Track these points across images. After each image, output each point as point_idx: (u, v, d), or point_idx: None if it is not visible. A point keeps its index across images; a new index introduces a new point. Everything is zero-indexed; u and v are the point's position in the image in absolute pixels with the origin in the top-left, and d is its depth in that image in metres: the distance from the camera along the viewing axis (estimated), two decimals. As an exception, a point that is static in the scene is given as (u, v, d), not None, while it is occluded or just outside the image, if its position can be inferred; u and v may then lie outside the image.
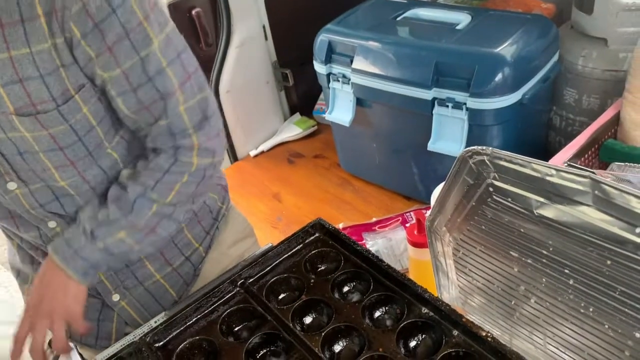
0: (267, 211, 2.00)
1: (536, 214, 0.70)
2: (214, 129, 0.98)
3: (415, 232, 1.41)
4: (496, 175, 0.73)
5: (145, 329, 0.99)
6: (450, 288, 0.94)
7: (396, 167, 1.86)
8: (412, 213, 1.74)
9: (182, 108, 0.92)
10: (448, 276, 0.96)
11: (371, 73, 1.64)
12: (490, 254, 0.82)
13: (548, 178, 0.67)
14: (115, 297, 1.07)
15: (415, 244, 1.40)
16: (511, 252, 0.78)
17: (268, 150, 2.31)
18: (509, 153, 0.70)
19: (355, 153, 1.98)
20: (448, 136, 1.56)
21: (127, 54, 0.83)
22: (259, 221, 1.91)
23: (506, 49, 1.45)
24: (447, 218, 0.87)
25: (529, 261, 0.76)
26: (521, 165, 0.69)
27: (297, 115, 2.41)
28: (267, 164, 2.26)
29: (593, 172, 0.63)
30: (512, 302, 0.84)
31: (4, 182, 0.93)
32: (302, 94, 2.39)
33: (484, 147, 0.72)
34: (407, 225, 1.65)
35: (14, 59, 0.79)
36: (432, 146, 1.57)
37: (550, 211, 0.69)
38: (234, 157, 2.33)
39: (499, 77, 1.44)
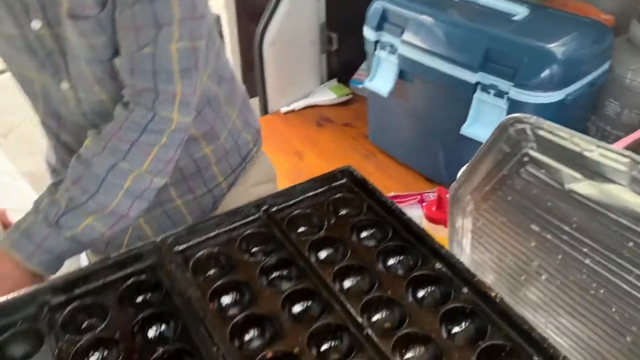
0: (288, 167, 2.03)
1: (567, 188, 0.71)
2: (197, 86, 0.91)
3: (434, 209, 1.43)
4: (534, 146, 0.74)
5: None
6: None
7: (424, 147, 1.87)
8: (431, 194, 1.76)
9: (174, 47, 0.85)
10: (462, 249, 0.98)
11: (420, 47, 1.64)
12: (510, 226, 0.84)
13: (587, 153, 0.68)
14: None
15: (432, 220, 1.42)
16: (532, 226, 0.80)
17: (299, 110, 2.33)
18: (551, 123, 0.71)
19: (386, 127, 1.99)
20: (483, 123, 1.56)
21: None
22: (279, 174, 1.93)
23: (558, 47, 1.44)
24: (473, 186, 0.88)
25: (548, 236, 0.78)
26: (562, 138, 0.70)
27: (334, 81, 2.42)
28: (296, 123, 2.28)
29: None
30: (522, 278, 0.86)
31: (58, 80, 0.96)
32: (343, 61, 2.40)
33: (528, 115, 0.73)
34: (424, 204, 1.66)
35: None
36: (465, 130, 1.58)
37: (582, 187, 0.70)
38: (264, 111, 2.35)
39: (546, 72, 1.44)
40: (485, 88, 1.54)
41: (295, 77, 2.35)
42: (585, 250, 0.72)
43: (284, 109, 2.31)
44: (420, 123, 1.84)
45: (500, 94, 1.51)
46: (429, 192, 1.79)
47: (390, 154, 2.02)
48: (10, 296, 0.78)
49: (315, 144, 2.14)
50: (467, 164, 0.87)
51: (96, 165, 0.87)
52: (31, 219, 0.88)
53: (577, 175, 0.70)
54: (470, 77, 1.55)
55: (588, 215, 0.71)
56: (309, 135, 2.19)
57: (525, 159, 0.75)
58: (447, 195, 0.94)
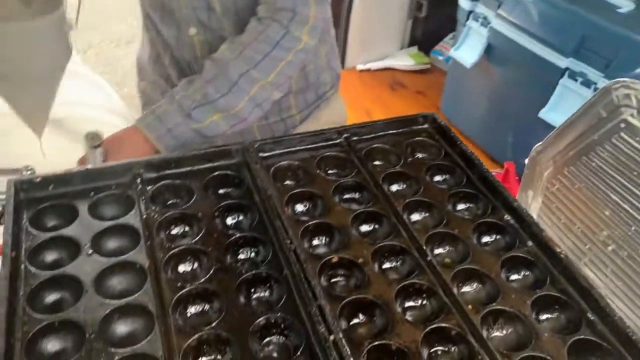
0: (355, 121, 2.05)
1: (660, 158, 0.72)
2: (325, 14, 0.98)
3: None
4: (634, 112, 0.74)
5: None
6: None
7: (495, 127, 1.86)
8: (493, 172, 1.75)
9: None
10: (529, 211, 0.99)
11: (514, 23, 1.63)
12: (587, 193, 0.85)
13: (688, 128, 0.69)
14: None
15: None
16: (611, 195, 0.81)
17: (374, 71, 2.35)
18: (660, 92, 0.71)
19: (460, 100, 1.99)
20: (563, 110, 1.54)
21: None
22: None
23: (661, 45, 1.41)
24: (558, 150, 0.89)
25: (625, 206, 0.78)
26: (667, 107, 0.70)
27: (415, 49, 2.42)
28: (370, 83, 2.30)
29: None
30: (586, 247, 0.87)
31: (184, 25, 1.01)
32: (428, 29, 2.39)
33: (635, 81, 0.73)
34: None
35: None
36: (544, 114, 1.57)
37: (676, 159, 0.70)
38: (341, 65, 2.38)
39: (642, 68, 1.40)
40: (573, 75, 1.52)
41: (377, 38, 2.36)
42: (662, 223, 0.73)
43: (360, 67, 2.33)
44: (496, 102, 1.83)
45: (587, 83, 1.49)
46: (493, 172, 1.79)
47: (460, 128, 2.02)
48: (108, 164, 0.85)
49: (386, 106, 2.16)
50: (556, 128, 0.88)
51: (231, 70, 0.95)
52: (166, 106, 0.97)
53: (673, 147, 0.70)
54: (560, 61, 1.53)
55: (673, 189, 0.71)
56: (381, 96, 2.21)
57: (622, 124, 0.76)
58: (529, 157, 0.95)
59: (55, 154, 1.40)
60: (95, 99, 1.58)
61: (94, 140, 0.93)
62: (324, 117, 1.30)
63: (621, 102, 0.75)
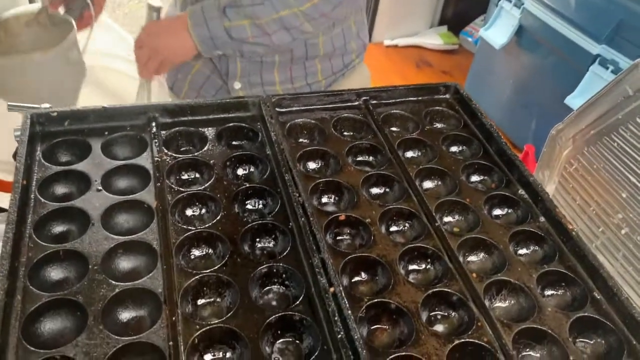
0: (377, 97, 2.03)
1: (686, 139, 0.69)
2: None
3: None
4: (664, 92, 0.72)
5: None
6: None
7: (519, 111, 1.83)
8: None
9: None
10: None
11: (548, 5, 1.58)
12: (605, 174, 0.83)
13: None
14: (237, 85, 1.15)
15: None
16: (630, 177, 0.79)
17: (401, 47, 2.31)
18: (692, 70, 0.68)
19: (486, 82, 1.95)
20: (591, 97, 1.51)
21: None
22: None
23: (699, 37, 1.36)
24: (579, 128, 0.87)
25: (645, 189, 0.76)
26: (699, 88, 0.68)
27: (444, 28, 2.38)
28: (396, 59, 2.27)
29: None
30: (600, 229, 0.86)
31: None
32: (459, 10, 2.34)
33: (668, 58, 0.71)
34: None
35: None
36: (571, 100, 1.53)
37: (702, 141, 0.68)
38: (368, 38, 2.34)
39: (677, 60, 1.36)
40: (604, 62, 1.47)
41: (407, 14, 2.32)
42: (680, 207, 0.71)
43: (387, 42, 2.30)
44: (522, 86, 1.80)
45: (618, 71, 1.44)
46: (511, 156, 1.76)
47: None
48: (124, 104, 0.85)
49: (409, 83, 2.13)
50: (579, 106, 0.86)
51: None
52: (210, 1, 1.05)
53: (699, 129, 0.68)
54: (592, 47, 1.49)
55: (696, 173, 0.69)
56: (406, 73, 2.18)
57: (649, 103, 0.73)
58: (548, 136, 0.93)
59: (81, 101, 1.41)
60: (120, 51, 1.58)
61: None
62: (348, 86, 1.29)
63: (651, 79, 0.73)
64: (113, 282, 0.64)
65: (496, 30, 1.73)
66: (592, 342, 0.67)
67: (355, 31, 1.25)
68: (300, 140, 0.90)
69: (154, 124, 0.84)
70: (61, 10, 1.10)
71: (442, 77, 2.17)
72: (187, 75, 1.21)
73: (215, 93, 1.19)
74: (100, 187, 0.75)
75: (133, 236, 0.69)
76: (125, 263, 0.68)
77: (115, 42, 1.63)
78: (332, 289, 0.63)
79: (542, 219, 0.80)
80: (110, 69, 1.52)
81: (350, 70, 1.29)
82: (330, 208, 0.80)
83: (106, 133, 0.83)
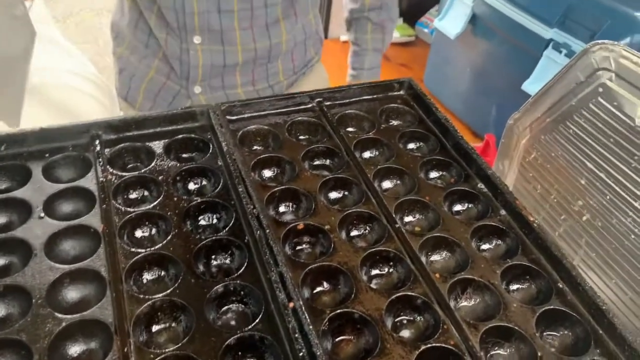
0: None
1: (638, 123, 0.69)
2: None
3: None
4: (613, 76, 0.72)
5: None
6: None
7: (478, 100, 1.83)
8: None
9: None
10: (505, 181, 0.97)
11: (500, -8, 1.59)
12: (563, 161, 0.83)
13: (667, 92, 0.66)
14: (197, 89, 1.11)
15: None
16: (587, 163, 0.78)
17: (359, 42, 2.29)
18: (638, 53, 0.68)
19: (443, 73, 1.95)
20: (547, 82, 1.51)
21: None
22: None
23: (646, 16, 1.38)
24: (535, 117, 0.86)
25: (602, 175, 0.76)
26: (647, 71, 0.67)
27: (400, 20, 2.37)
28: (353, 54, 2.25)
29: None
30: (562, 217, 0.85)
31: None
32: (413, 1, 2.34)
33: (615, 42, 0.70)
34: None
35: None
36: (527, 87, 1.54)
37: (653, 124, 0.68)
38: (324, 35, 2.32)
39: (626, 39, 1.37)
40: (558, 46, 1.48)
41: (362, 9, 2.30)
42: (638, 192, 0.71)
43: (343, 38, 2.28)
44: (479, 74, 1.80)
45: (571, 54, 1.45)
46: (473, 145, 1.76)
47: (442, 101, 1.99)
48: (64, 124, 0.81)
49: (369, 78, 2.11)
50: (533, 95, 0.85)
51: None
52: None
53: (651, 112, 0.68)
54: (545, 32, 1.50)
55: (650, 156, 0.69)
56: (364, 68, 2.16)
57: (600, 89, 0.73)
58: (506, 126, 0.92)
59: (28, 121, 1.35)
60: (68, 66, 1.52)
61: None
62: (309, 86, 1.28)
63: (600, 65, 0.72)
64: (59, 315, 0.60)
65: (450, 21, 1.73)
66: (559, 334, 0.66)
67: (315, 27, 1.24)
68: (255, 147, 0.87)
69: (97, 142, 0.80)
70: None
71: (401, 70, 2.16)
72: (141, 84, 1.16)
73: (173, 100, 1.15)
74: (42, 214, 0.71)
75: (79, 264, 0.65)
76: (72, 293, 0.64)
77: (63, 57, 1.57)
78: (291, 304, 0.61)
79: (502, 212, 0.79)
80: (58, 85, 1.46)
81: (310, 68, 1.27)
82: (288, 217, 0.78)
83: (47, 155, 0.78)
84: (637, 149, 0.70)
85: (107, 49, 1.27)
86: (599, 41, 0.72)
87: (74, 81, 1.48)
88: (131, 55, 1.17)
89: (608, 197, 0.75)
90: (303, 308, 0.60)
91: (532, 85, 1.53)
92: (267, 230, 0.69)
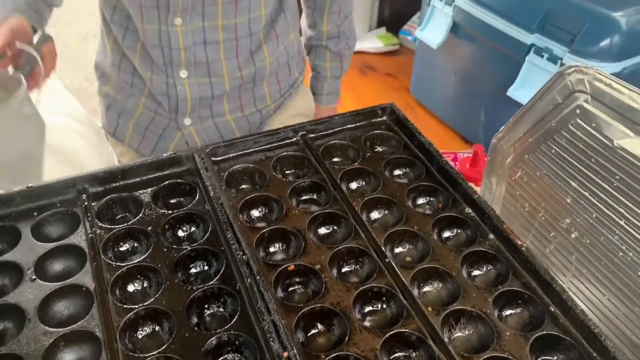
0: (326, 109, 2.02)
1: (616, 145, 0.70)
2: None
3: (468, 165, 1.42)
4: (589, 98, 0.72)
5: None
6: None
7: (466, 106, 1.84)
8: (465, 153, 1.74)
9: None
10: (494, 201, 0.98)
11: (478, 0, 1.59)
12: (548, 181, 0.83)
13: (643, 112, 0.67)
14: (187, 121, 1.12)
15: (465, 177, 1.41)
16: (571, 182, 0.79)
17: (344, 55, 2.29)
18: (611, 76, 0.69)
19: (430, 81, 1.96)
20: (532, 87, 1.52)
21: None
22: (316, 114, 1.94)
23: (625, 16, 1.38)
24: (517, 137, 0.87)
25: (586, 194, 0.77)
26: (620, 92, 0.68)
27: (383, 30, 2.37)
28: (339, 67, 2.25)
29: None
30: (551, 235, 0.86)
31: (171, 16, 0.98)
32: (395, 10, 2.34)
33: (587, 66, 0.71)
34: (458, 162, 1.65)
35: None
36: (513, 92, 1.54)
37: (632, 144, 0.68)
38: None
39: (606, 41, 1.38)
40: (539, 51, 1.49)
41: (345, 21, 2.31)
42: (622, 210, 0.71)
43: (328, 52, 2.28)
44: (465, 81, 1.80)
45: (553, 58, 1.46)
46: (464, 152, 1.77)
47: (430, 109, 1.99)
48: (50, 180, 0.81)
49: (356, 90, 2.12)
50: (514, 114, 0.86)
51: None
52: None
53: (629, 132, 0.68)
54: (525, 37, 1.50)
55: (632, 175, 0.69)
56: (351, 80, 2.16)
57: (578, 110, 0.73)
58: (490, 145, 0.93)
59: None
60: (55, 107, 1.53)
61: None
62: (294, 108, 1.28)
63: (575, 87, 0.73)
64: (56, 381, 0.61)
65: (431, 30, 1.73)
66: (554, 358, 0.67)
67: (297, 47, 1.25)
68: (242, 186, 0.88)
69: (84, 196, 0.81)
70: (10, 69, 1.03)
71: (387, 80, 2.17)
72: (130, 119, 1.17)
73: (163, 132, 1.15)
74: (34, 277, 0.71)
75: (73, 326, 0.66)
76: (68, 356, 0.65)
77: (52, 99, 1.57)
78: (285, 354, 0.61)
79: (491, 236, 0.79)
80: (54, 127, 1.46)
81: (295, 89, 1.28)
82: (279, 256, 0.78)
83: (35, 214, 0.79)
84: (617, 169, 0.70)
85: (94, 75, 1.27)
86: (574, 64, 0.72)
87: (61, 121, 1.49)
88: (117, 94, 1.17)
89: (594, 216, 0.76)
90: (297, 357, 0.61)
91: (517, 91, 1.53)
92: (258, 277, 0.69)
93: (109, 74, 1.18)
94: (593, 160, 0.74)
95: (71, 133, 1.49)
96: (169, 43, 1.01)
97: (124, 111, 1.17)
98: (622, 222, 0.72)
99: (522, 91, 1.54)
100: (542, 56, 1.48)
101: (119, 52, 1.12)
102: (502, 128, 0.91)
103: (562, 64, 1.44)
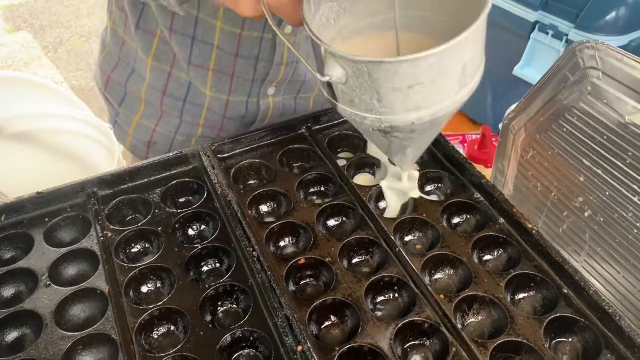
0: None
1: (627, 120, 0.68)
2: None
3: (476, 147, 1.41)
4: (600, 74, 0.71)
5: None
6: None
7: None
8: (473, 135, 1.72)
9: None
10: (505, 181, 0.97)
11: (479, -21, 1.57)
12: (561, 159, 0.82)
13: (652, 87, 0.65)
14: (271, 91, 0.98)
15: (474, 159, 1.40)
16: (584, 160, 0.78)
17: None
18: (622, 51, 0.68)
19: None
20: (537, 65, 1.50)
21: None
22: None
23: (630, -12, 1.36)
24: (529, 116, 0.86)
25: (599, 171, 0.76)
26: (632, 67, 0.67)
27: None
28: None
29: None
30: (564, 214, 0.85)
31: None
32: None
33: (599, 41, 0.70)
34: (466, 144, 1.64)
35: None
36: (518, 71, 1.53)
37: (641, 121, 0.67)
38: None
39: (612, 14, 1.36)
40: (544, 28, 1.47)
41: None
42: (635, 187, 0.70)
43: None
44: (470, 62, 1.79)
45: (559, 35, 1.44)
46: (472, 134, 1.75)
47: (436, 92, 1.98)
48: (60, 185, 0.82)
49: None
50: (525, 94, 0.85)
51: None
52: None
53: (640, 107, 0.67)
54: (529, 15, 1.48)
55: (643, 151, 0.68)
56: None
57: (589, 87, 0.72)
58: (501, 126, 0.92)
59: (22, 168, 1.37)
60: (62, 110, 1.54)
61: None
62: None
63: (587, 63, 0.72)
64: (76, 384, 0.62)
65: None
66: (569, 340, 0.67)
67: None
68: (249, 182, 0.88)
69: (93, 199, 0.81)
70: None
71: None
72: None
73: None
74: (48, 282, 0.72)
75: (89, 330, 0.67)
76: (86, 359, 0.66)
77: (53, 101, 1.58)
78: (299, 348, 0.62)
79: (501, 220, 0.79)
80: (54, 129, 1.47)
81: None
82: (289, 250, 0.78)
83: (46, 220, 0.80)
84: (629, 146, 0.70)
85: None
86: (585, 40, 0.71)
87: (69, 124, 1.49)
88: (148, 120, 1.02)
89: (607, 193, 0.75)
90: (311, 350, 0.61)
91: (523, 69, 1.52)
92: (269, 272, 0.69)
93: (140, 99, 1.01)
94: (605, 137, 0.73)
95: (81, 137, 1.50)
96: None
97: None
98: (635, 199, 0.71)
99: (527, 69, 1.52)
100: (547, 33, 1.46)
101: (163, 73, 0.96)
102: (512, 107, 0.90)
103: (567, 40, 1.42)
